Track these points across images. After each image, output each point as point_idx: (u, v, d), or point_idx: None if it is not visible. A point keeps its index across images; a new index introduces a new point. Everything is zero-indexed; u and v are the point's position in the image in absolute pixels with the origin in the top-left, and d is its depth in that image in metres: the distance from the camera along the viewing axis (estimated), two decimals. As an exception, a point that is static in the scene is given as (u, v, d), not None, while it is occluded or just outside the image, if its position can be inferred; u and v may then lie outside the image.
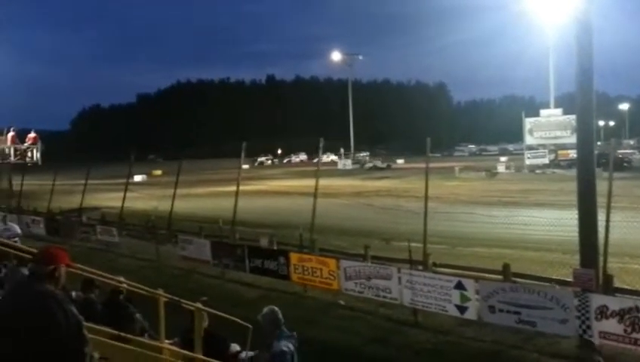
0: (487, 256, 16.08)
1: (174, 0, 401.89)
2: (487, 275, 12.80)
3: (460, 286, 11.58)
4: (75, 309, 3.94)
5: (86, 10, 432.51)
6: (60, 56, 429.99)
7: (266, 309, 6.44)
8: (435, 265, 13.46)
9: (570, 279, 10.90)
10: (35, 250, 4.97)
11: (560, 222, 14.73)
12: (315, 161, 17.34)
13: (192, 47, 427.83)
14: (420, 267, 13.17)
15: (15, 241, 11.16)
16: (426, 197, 13.94)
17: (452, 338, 11.59)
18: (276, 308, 6.44)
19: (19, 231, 15.46)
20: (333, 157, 71.87)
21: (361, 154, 72.93)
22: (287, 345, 6.10)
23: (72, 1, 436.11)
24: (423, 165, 15.87)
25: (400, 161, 75.47)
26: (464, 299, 11.49)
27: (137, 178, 48.86)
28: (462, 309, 11.55)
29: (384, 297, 13.03)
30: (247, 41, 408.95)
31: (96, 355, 4.11)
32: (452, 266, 13.90)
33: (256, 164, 78.83)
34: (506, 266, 12.12)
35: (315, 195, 16.74)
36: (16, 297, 3.93)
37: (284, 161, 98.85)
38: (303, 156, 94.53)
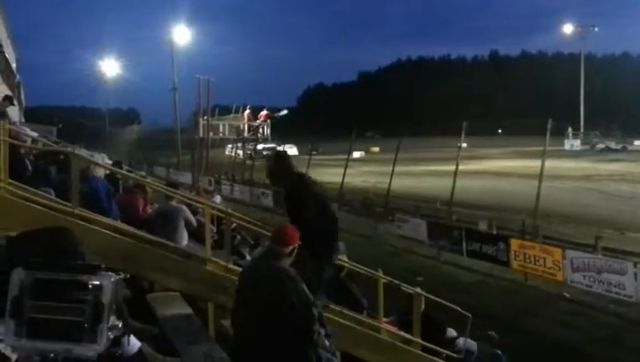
0: None
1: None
2: None
3: None
4: (306, 287, 4.15)
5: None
6: (291, 37, 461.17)
7: None
8: (680, 262, 11.96)
9: None
10: (270, 228, 5.30)
11: None
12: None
13: (413, 24, 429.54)
14: (662, 264, 11.80)
15: None
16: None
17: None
18: None
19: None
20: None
21: (592, 133, 66.98)
22: None
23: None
24: (666, 148, 14.12)
25: (638, 143, 68.31)
26: None
27: (356, 154, 50.22)
28: None
29: (616, 293, 11.94)
30: (470, 16, 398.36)
31: (322, 332, 4.26)
32: (701, 265, 12.25)
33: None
34: None
35: (540, 179, 15.81)
36: (258, 272, 4.27)
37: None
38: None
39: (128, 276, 5.41)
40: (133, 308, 5.42)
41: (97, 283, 2.01)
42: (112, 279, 2.06)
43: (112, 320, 2.04)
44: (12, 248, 2.96)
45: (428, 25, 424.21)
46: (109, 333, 2.02)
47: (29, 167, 6.49)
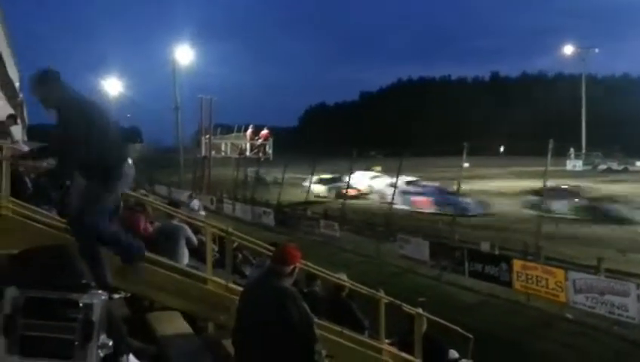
0: None
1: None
2: None
3: None
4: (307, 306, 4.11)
5: (316, 15, 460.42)
6: (293, 57, 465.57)
7: None
8: (683, 284, 11.86)
9: None
10: (270, 246, 5.23)
11: None
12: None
13: (414, 45, 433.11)
14: (665, 285, 11.72)
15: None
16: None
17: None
18: None
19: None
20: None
21: (594, 154, 66.83)
22: None
23: (304, 8, 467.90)
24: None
25: (639, 164, 68.29)
26: None
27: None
28: None
29: (619, 315, 11.84)
30: (471, 37, 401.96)
31: (324, 352, 4.22)
32: None
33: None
34: None
35: (543, 200, 15.79)
36: (259, 292, 4.23)
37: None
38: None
39: (128, 295, 5.38)
40: (132, 327, 5.37)
41: (88, 301, 2.00)
42: (103, 297, 2.04)
43: (103, 338, 2.02)
44: (12, 266, 2.94)
45: (429, 45, 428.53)
46: (100, 351, 2.00)
47: (29, 185, 6.47)
